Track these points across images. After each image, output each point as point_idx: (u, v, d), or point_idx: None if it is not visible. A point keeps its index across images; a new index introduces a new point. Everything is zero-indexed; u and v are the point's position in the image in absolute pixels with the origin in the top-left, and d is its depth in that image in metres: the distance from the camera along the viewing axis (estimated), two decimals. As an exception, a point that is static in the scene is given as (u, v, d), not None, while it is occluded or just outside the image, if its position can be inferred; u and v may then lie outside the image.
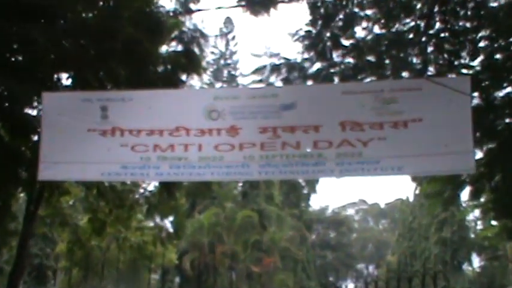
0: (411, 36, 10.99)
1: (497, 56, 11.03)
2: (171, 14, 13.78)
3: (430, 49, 10.99)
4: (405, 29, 11.07)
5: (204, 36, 14.76)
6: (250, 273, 45.22)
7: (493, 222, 20.36)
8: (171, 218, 30.12)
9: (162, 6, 13.53)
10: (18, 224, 16.11)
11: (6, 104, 12.96)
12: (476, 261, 58.62)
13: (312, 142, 8.51)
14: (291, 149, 8.51)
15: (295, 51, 11.28)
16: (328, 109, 8.62)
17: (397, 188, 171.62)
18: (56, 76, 13.37)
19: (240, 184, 51.87)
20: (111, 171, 8.95)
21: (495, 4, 10.70)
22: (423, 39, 10.88)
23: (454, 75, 10.52)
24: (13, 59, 12.94)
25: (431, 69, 11.05)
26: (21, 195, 16.82)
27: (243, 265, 44.48)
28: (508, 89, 11.29)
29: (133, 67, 12.55)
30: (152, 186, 18.24)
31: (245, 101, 8.85)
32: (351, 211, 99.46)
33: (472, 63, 11.11)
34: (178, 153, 8.64)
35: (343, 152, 8.33)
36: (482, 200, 13.61)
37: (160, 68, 13.90)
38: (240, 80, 63.94)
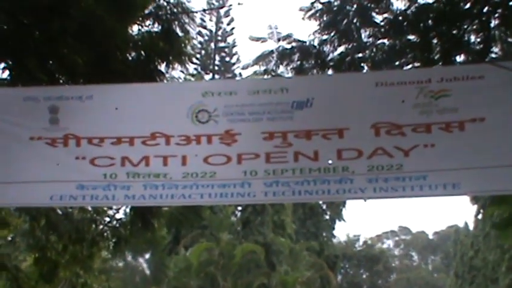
0: (468, 5, 10.86)
1: None
2: (145, -18, 13.71)
3: (494, 23, 10.85)
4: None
5: (187, 12, 14.58)
6: (255, 330, 45.39)
7: None
8: (147, 256, 30.17)
9: (133, -27, 13.48)
10: None
11: None
12: None
13: (334, 151, 8.36)
14: (306, 160, 8.35)
15: (310, 32, 10.93)
16: (356, 107, 8.51)
17: (450, 212, 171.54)
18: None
19: (240, 209, 52.00)
20: (63, 193, 8.59)
21: None
22: (485, 9, 10.75)
23: (528, 59, 10.43)
24: None
25: (496, 51, 10.94)
26: None
27: (246, 319, 44.65)
28: None
29: (94, 53, 12.33)
30: (121, 213, 18.20)
31: (244, 97, 8.61)
32: (388, 243, 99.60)
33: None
34: (155, 168, 8.40)
35: (376, 164, 8.16)
36: None
37: (130, 55, 13.75)
38: (238, 71, 63.57)
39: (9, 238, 21.38)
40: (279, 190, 8.35)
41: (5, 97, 9.49)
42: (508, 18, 10.47)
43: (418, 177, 8.09)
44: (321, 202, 63.55)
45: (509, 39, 10.79)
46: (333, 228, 71.26)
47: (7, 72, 12.94)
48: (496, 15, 10.56)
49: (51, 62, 12.76)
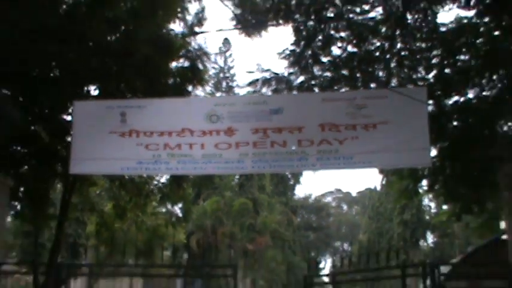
0: (377, 54, 10.97)
1: (447, 70, 11.10)
2: (180, 35, 13.74)
3: (393, 65, 10.98)
4: (373, 48, 11.05)
5: (206, 54, 14.64)
6: (246, 250, 45.19)
7: (444, 207, 20.62)
8: (179, 205, 30.11)
9: (172, 30, 13.61)
10: (56, 209, 16.15)
11: (46, 111, 13.25)
12: (430, 238, 60.59)
13: (296, 141, 8.61)
14: (278, 147, 8.59)
15: (282, 67, 11.14)
16: (310, 113, 8.75)
17: (367, 179, 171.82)
18: (85, 88, 13.55)
19: (237, 177, 51.84)
20: (129, 166, 9.14)
21: (444, 29, 10.75)
22: (387, 56, 10.88)
23: (412, 86, 10.50)
24: (52, 75, 13.11)
25: (394, 81, 11.08)
26: (58, 186, 16.85)
27: (240, 244, 44.45)
28: (456, 98, 11.43)
29: (148, 80, 12.54)
30: (164, 178, 18.10)
31: (240, 107, 9.00)
32: (328, 199, 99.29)
33: (427, 77, 11.20)
34: (184, 151, 8.78)
35: (322, 149, 8.43)
36: (435, 188, 13.64)
37: (170, 81, 13.85)
38: (237, 90, 63.60)
39: (98, 192, 21.31)
40: (261, 165, 8.75)
41: (94, 106, 10.12)
42: (401, 63, 10.64)
43: (348, 157, 8.38)
44: (287, 173, 63.48)
45: (402, 75, 10.93)
46: (295, 189, 71.19)
47: (96, 91, 13.55)
48: (394, 60, 10.71)
49: (122, 85, 12.89)
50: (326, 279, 12.34)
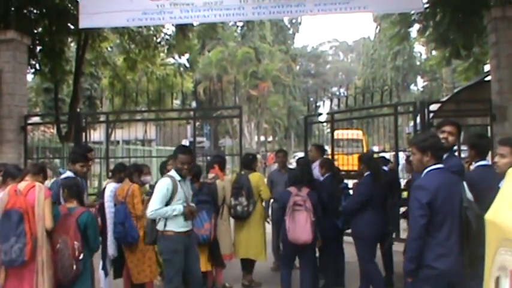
0: None
1: None
2: None
3: None
4: None
5: None
6: (249, 96, 45.72)
7: (434, 52, 20.51)
8: (186, 56, 29.93)
9: None
10: (72, 66, 16.08)
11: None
12: (420, 83, 61.85)
13: None
14: None
15: None
16: None
17: (361, 28, 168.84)
18: None
19: (239, 26, 51.07)
20: (134, 17, 8.93)
21: None
22: None
23: None
24: None
25: None
26: (72, 44, 16.65)
27: (244, 90, 44.84)
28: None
29: None
30: (170, 30, 17.86)
31: None
32: (326, 47, 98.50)
33: None
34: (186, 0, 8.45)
35: None
36: (426, 34, 13.49)
37: None
38: None
39: (109, 48, 21.06)
40: (261, 11, 8.50)
41: None
42: None
43: (344, 2, 8.04)
44: (286, 20, 62.59)
45: None
46: (294, 38, 70.39)
47: None
48: None
49: None
50: (324, 118, 12.44)
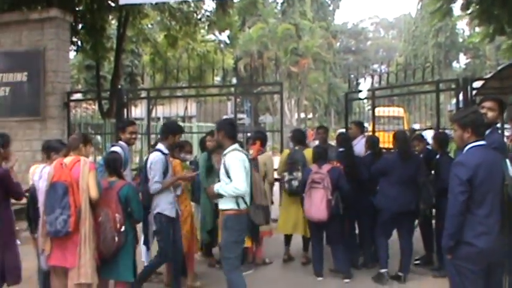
0: None
1: None
2: None
3: None
4: None
5: None
6: (290, 72, 45.21)
7: (477, 29, 20.05)
8: (227, 32, 29.73)
9: None
10: (113, 43, 16.10)
11: None
12: (463, 60, 60.97)
13: None
14: None
15: None
16: None
17: (402, 5, 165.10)
18: None
19: (280, 3, 50.54)
20: None
21: None
22: None
23: None
24: None
25: None
26: (113, 21, 16.69)
27: (285, 67, 44.32)
28: None
29: None
30: (211, 7, 17.75)
31: None
32: (366, 24, 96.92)
33: None
34: None
35: None
36: (470, 10, 13.07)
37: None
38: None
39: (150, 25, 21.04)
40: None
41: None
42: None
43: None
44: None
45: None
46: (334, 15, 69.49)
47: None
48: None
49: None
50: (365, 95, 12.18)
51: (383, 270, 6.61)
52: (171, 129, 6.01)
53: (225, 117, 30.21)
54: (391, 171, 6.52)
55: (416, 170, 6.57)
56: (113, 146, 6.43)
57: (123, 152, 6.04)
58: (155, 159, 5.68)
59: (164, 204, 5.72)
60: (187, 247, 6.35)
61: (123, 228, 4.93)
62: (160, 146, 5.91)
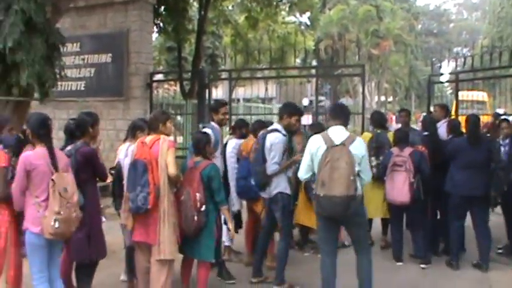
0: None
1: None
2: None
3: None
4: None
5: None
6: (370, 55, 44.26)
7: None
8: (307, 14, 29.21)
9: None
10: (194, 25, 15.99)
11: None
12: None
13: None
14: None
15: None
16: None
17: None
18: None
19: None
20: None
21: None
22: None
23: None
24: None
25: None
26: (195, 3, 16.57)
27: (365, 49, 43.37)
28: None
29: None
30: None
31: None
32: (449, 5, 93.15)
33: None
34: None
35: None
36: None
37: None
38: None
39: (231, 7, 20.86)
40: None
41: None
42: None
43: None
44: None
45: None
46: (417, -4, 67.17)
47: None
48: None
49: None
50: (447, 79, 11.45)
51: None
52: (287, 110, 5.80)
53: (303, 100, 29.76)
54: (459, 155, 6.33)
55: (487, 155, 6.31)
56: (204, 127, 6.27)
57: (213, 133, 5.88)
58: (276, 140, 5.52)
59: (284, 183, 5.59)
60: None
61: (203, 208, 4.93)
62: (277, 125, 5.74)
